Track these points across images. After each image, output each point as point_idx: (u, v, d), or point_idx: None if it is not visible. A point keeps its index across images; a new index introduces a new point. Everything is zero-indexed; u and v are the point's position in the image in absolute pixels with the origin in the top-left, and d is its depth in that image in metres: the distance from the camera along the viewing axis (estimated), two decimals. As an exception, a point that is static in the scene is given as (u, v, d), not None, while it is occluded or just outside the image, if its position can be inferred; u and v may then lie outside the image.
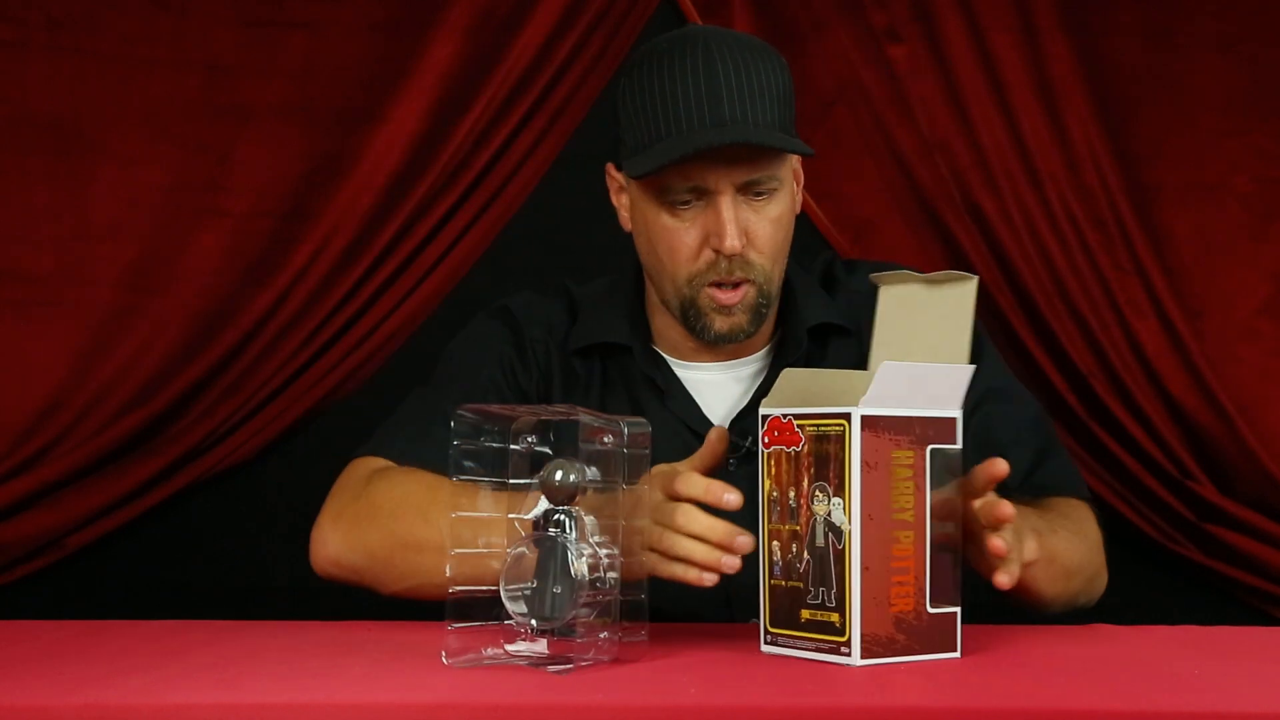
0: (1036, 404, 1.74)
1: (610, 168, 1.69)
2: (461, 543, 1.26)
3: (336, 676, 1.16)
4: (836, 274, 1.75)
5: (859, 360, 1.67)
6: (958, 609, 1.25)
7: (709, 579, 1.27)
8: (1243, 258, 2.52)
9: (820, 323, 1.69)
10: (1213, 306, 2.52)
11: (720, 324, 1.61)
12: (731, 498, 1.26)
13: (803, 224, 2.49)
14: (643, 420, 1.23)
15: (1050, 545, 1.43)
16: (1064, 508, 1.60)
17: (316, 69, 2.48)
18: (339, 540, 1.55)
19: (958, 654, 1.24)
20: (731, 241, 1.56)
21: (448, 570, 1.24)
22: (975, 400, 1.64)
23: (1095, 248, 2.50)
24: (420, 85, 2.45)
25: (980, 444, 1.60)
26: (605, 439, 1.22)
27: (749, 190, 1.58)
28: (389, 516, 1.52)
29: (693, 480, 1.28)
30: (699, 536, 1.27)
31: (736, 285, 1.60)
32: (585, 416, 1.23)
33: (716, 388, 1.68)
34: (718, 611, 1.60)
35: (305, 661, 1.24)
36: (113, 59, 2.45)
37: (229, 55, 2.47)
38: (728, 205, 1.56)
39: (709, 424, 1.65)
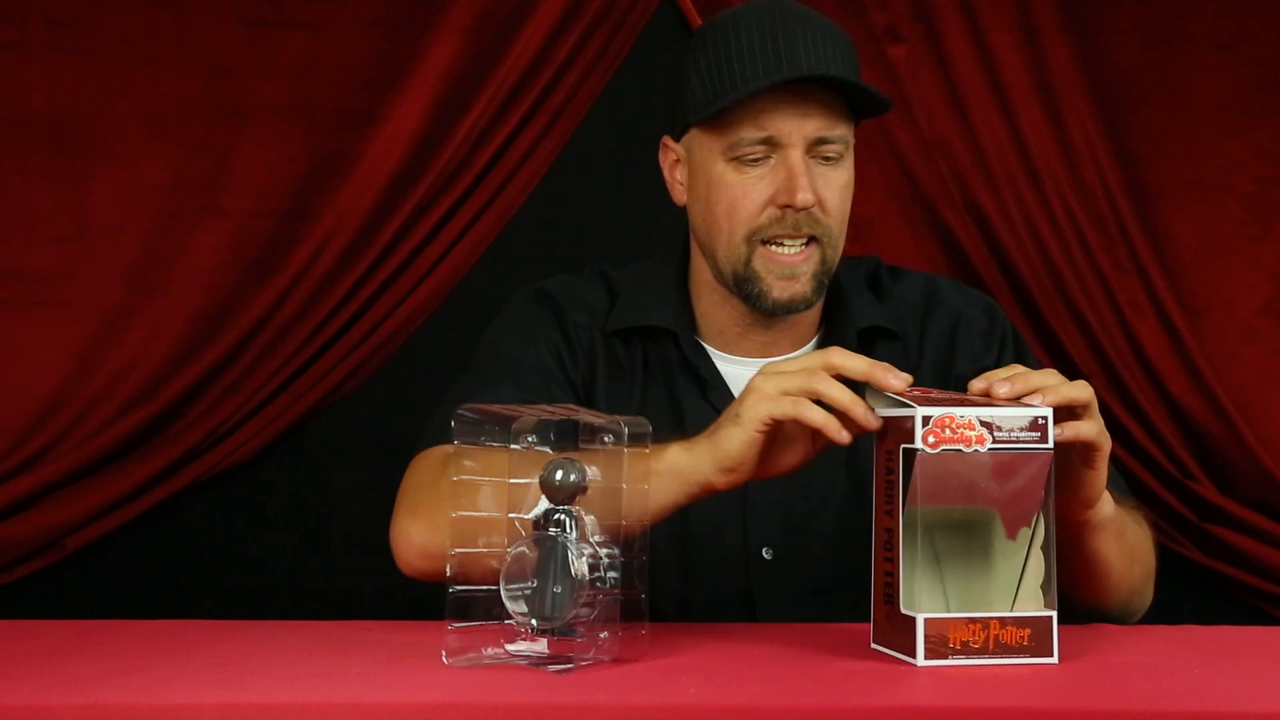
0: None
1: (667, 140, 1.65)
2: (465, 541, 1.26)
3: (336, 676, 1.16)
4: (883, 280, 1.72)
5: (900, 365, 1.65)
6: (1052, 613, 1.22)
7: (846, 437, 1.26)
8: (1243, 258, 2.52)
9: (870, 325, 1.65)
10: (1213, 306, 2.52)
11: (780, 290, 1.57)
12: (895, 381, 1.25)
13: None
14: (643, 420, 1.23)
15: (1120, 517, 1.42)
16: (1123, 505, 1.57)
17: (316, 69, 2.47)
18: (423, 529, 1.46)
19: (1053, 659, 1.21)
20: (804, 195, 1.53)
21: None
22: None
23: (1095, 248, 2.50)
24: (420, 85, 2.45)
25: None
26: (606, 439, 1.22)
27: (818, 152, 1.55)
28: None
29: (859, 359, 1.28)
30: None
31: (804, 244, 1.56)
32: (585, 416, 1.23)
33: None
34: (741, 615, 1.60)
35: (305, 661, 1.24)
36: (113, 59, 2.45)
37: (229, 55, 2.47)
38: (800, 159, 1.54)
39: None
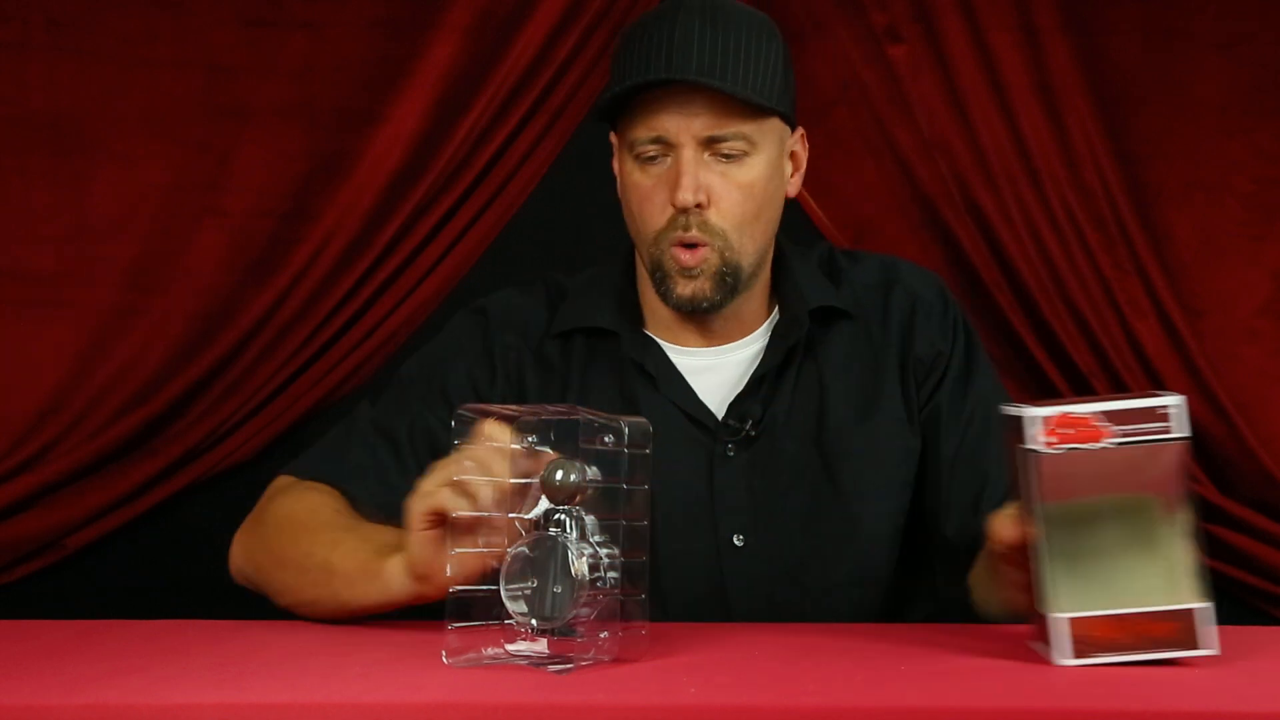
0: None
1: (612, 137, 1.66)
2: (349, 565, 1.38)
3: (336, 676, 1.16)
4: (839, 263, 1.72)
5: (862, 345, 1.66)
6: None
7: (484, 498, 1.24)
8: (1243, 257, 2.52)
9: (824, 305, 1.65)
10: (1213, 306, 2.52)
11: (683, 288, 1.57)
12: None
13: (803, 223, 2.51)
14: (643, 420, 1.23)
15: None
16: None
17: (316, 69, 2.47)
18: (237, 552, 1.61)
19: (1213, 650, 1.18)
20: (683, 195, 1.52)
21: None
22: (966, 420, 1.64)
23: (1095, 248, 2.50)
24: (420, 85, 2.45)
25: (968, 470, 1.60)
26: (606, 439, 1.22)
27: (715, 149, 1.54)
28: (271, 534, 1.56)
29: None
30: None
31: (695, 247, 1.55)
32: (586, 417, 1.23)
33: (712, 372, 1.66)
34: (714, 605, 1.60)
35: (305, 661, 1.24)
36: (113, 59, 2.45)
37: (229, 55, 2.47)
38: (687, 159, 1.53)
39: (705, 409, 1.63)
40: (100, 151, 2.45)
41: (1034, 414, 1.19)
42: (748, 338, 1.67)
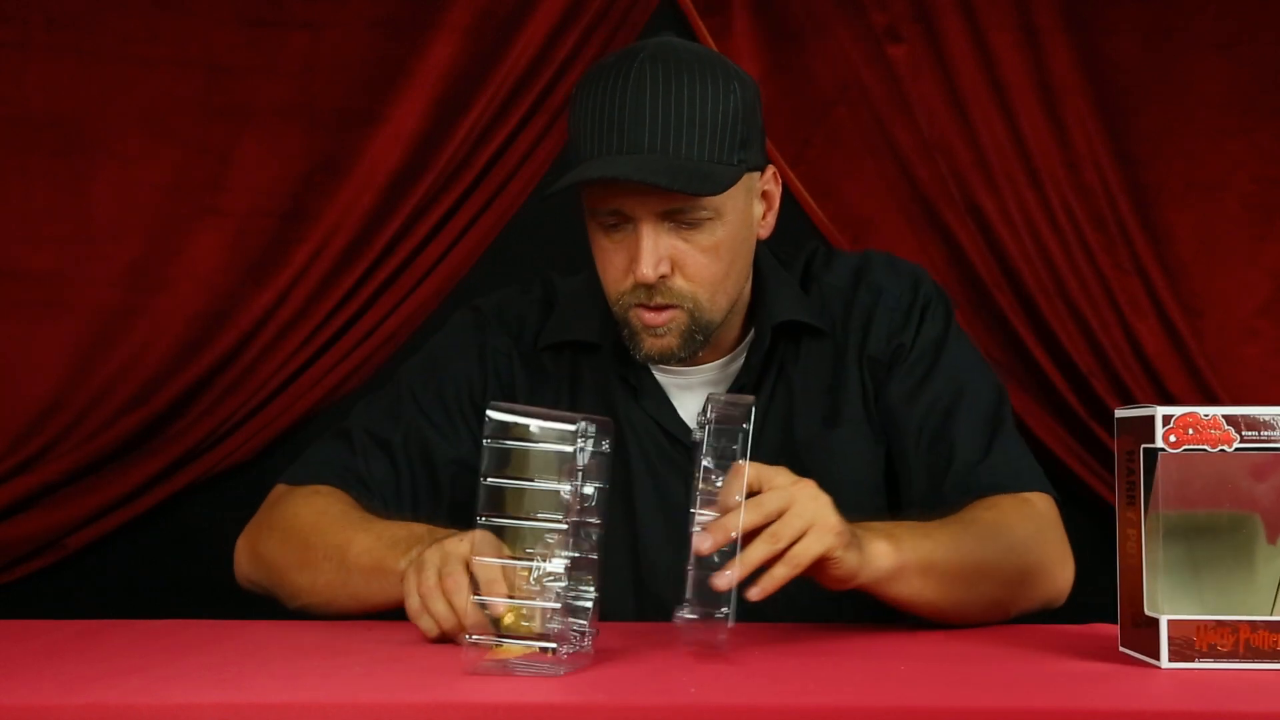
0: (993, 394, 1.64)
1: None
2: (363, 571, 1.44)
3: (336, 676, 1.16)
4: (814, 269, 1.70)
5: (828, 352, 1.65)
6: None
7: (434, 634, 1.32)
8: (1243, 257, 2.52)
9: (787, 320, 1.63)
10: (1213, 306, 2.52)
11: (650, 345, 1.56)
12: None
13: (803, 224, 2.51)
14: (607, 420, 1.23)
15: (923, 551, 1.39)
16: (981, 509, 1.52)
17: (316, 69, 2.47)
18: (245, 559, 1.63)
19: None
20: (645, 271, 1.50)
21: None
22: (928, 404, 1.61)
23: (1095, 248, 2.50)
24: (420, 85, 2.45)
25: (932, 454, 1.58)
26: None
27: (676, 218, 1.51)
28: (282, 538, 1.58)
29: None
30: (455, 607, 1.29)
31: (661, 309, 1.54)
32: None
33: (693, 390, 1.66)
34: (626, 607, 1.61)
35: (305, 661, 1.24)
36: (113, 59, 2.45)
37: (229, 55, 2.47)
38: (647, 234, 1.50)
39: (683, 424, 1.63)
40: (100, 151, 2.45)
41: (1158, 413, 1.17)
42: (728, 356, 1.66)
